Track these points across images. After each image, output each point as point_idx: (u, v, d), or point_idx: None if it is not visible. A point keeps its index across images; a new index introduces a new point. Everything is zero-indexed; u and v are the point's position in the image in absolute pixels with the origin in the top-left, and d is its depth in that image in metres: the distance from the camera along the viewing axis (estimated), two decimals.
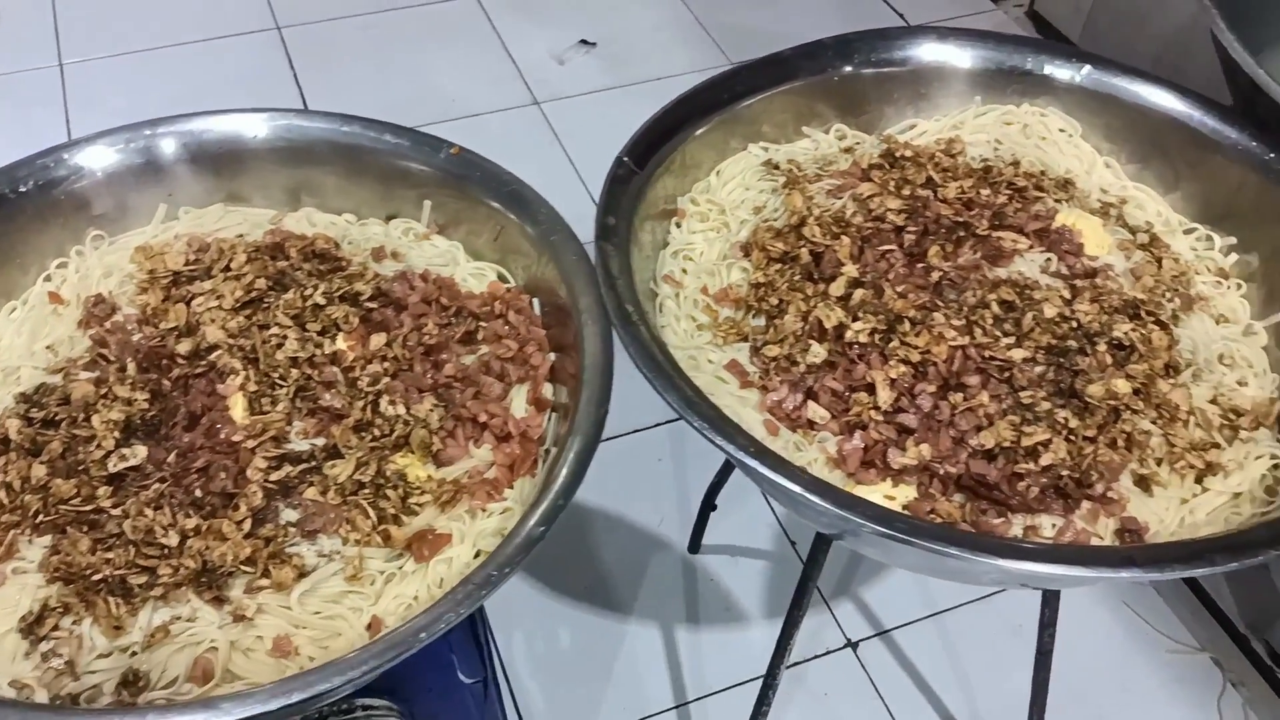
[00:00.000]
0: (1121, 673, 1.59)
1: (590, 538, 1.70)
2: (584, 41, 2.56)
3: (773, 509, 1.74)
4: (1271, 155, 1.12)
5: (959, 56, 1.21)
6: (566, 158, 2.23)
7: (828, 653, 1.60)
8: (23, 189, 1.05)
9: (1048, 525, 0.92)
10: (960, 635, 1.62)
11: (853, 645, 1.60)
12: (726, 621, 1.62)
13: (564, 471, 0.85)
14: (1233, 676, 1.59)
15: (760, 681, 1.29)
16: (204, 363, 0.98)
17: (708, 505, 1.61)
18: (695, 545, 1.69)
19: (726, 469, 1.54)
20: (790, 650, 1.21)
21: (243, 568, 0.85)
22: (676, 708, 1.53)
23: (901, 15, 2.69)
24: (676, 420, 1.82)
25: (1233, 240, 1.14)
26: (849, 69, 1.21)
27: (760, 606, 1.63)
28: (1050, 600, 1.17)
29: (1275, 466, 0.97)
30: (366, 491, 0.89)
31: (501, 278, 1.08)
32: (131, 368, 0.97)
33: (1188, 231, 1.16)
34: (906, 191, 1.10)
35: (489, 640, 1.29)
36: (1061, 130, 1.22)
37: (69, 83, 2.41)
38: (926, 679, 1.57)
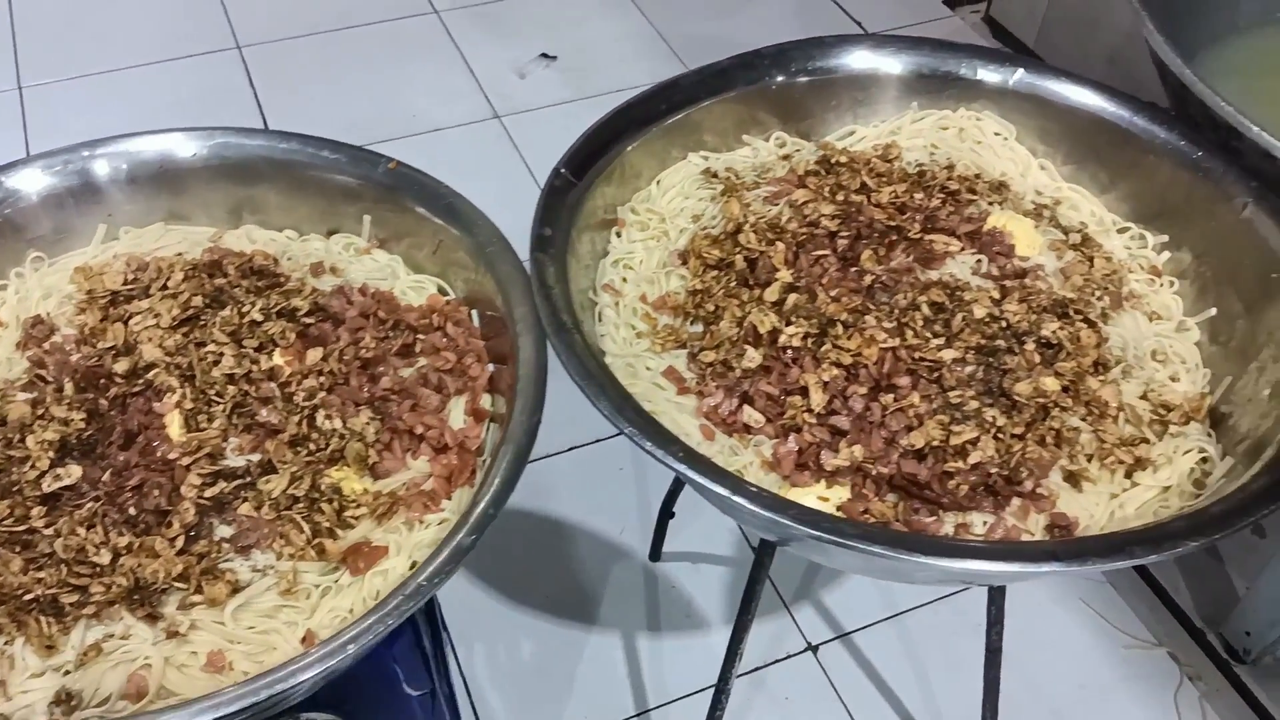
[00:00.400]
0: (1079, 669, 1.60)
1: (552, 547, 1.71)
2: (545, 55, 2.57)
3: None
4: (1200, 153, 1.13)
5: (892, 64, 1.22)
6: (527, 170, 2.24)
7: (788, 656, 1.60)
8: None
9: (979, 523, 0.93)
10: (920, 636, 1.63)
11: (813, 648, 1.61)
12: (687, 628, 1.62)
13: (495, 481, 0.85)
14: (1189, 671, 1.60)
15: None
16: (141, 381, 0.98)
17: (665, 513, 1.61)
18: (656, 553, 1.69)
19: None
20: (741, 655, 1.21)
21: (176, 584, 0.85)
22: (638, 715, 1.53)
23: (859, 23, 2.71)
24: None
25: (1165, 238, 1.16)
26: (786, 78, 1.22)
27: (720, 612, 1.64)
28: (996, 598, 1.18)
29: (1204, 460, 0.98)
30: (301, 506, 0.90)
31: (442, 290, 1.09)
32: (69, 388, 0.97)
33: (1121, 231, 1.18)
34: (841, 197, 1.11)
35: (444, 651, 1.30)
36: (997, 134, 1.23)
37: (28, 106, 2.41)
38: (887, 680, 1.58)
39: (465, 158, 2.29)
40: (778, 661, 1.60)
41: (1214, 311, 1.10)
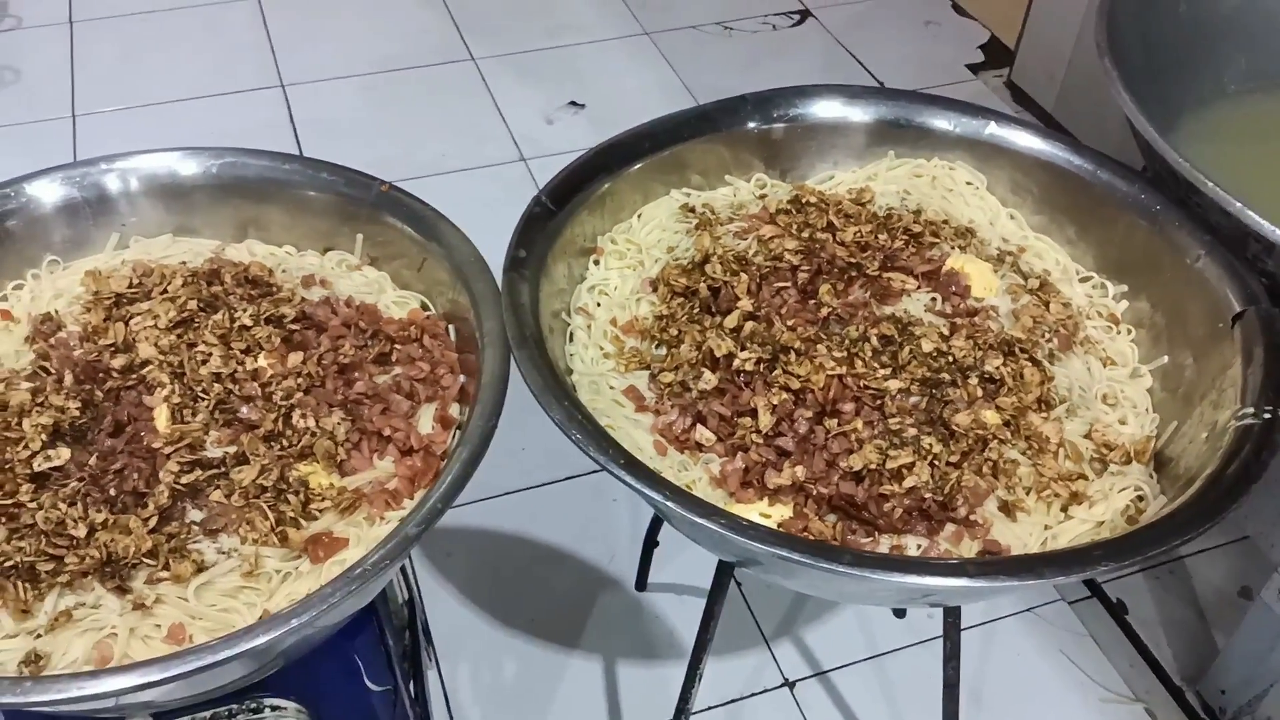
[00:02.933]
0: (1055, 719, 1.61)
1: (542, 573, 1.75)
2: (574, 103, 2.67)
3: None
4: (1158, 207, 1.17)
5: (867, 113, 1.28)
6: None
7: (764, 691, 1.63)
8: None
9: (913, 545, 0.96)
10: (898, 678, 1.64)
11: (790, 685, 1.64)
12: (669, 657, 1.66)
13: (447, 479, 0.91)
14: None
15: (696, 716, 1.33)
16: (135, 376, 1.05)
17: (650, 542, 1.65)
18: (642, 583, 1.73)
19: None
20: (699, 677, 1.25)
21: (145, 560, 0.91)
22: None
23: (881, 84, 2.78)
24: None
25: (1124, 288, 1.20)
26: (766, 124, 1.28)
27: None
28: (951, 633, 1.21)
29: (1139, 499, 1.01)
30: (268, 495, 0.96)
31: (424, 306, 1.16)
32: (68, 379, 1.05)
33: (1084, 280, 1.22)
34: (806, 234, 1.16)
35: (421, 656, 1.34)
36: (969, 183, 1.28)
37: (80, 133, 2.54)
38: None
39: (489, 197, 2.37)
40: (754, 695, 1.63)
41: (1166, 359, 1.13)
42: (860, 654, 1.67)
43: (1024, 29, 2.71)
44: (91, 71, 2.73)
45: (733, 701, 1.61)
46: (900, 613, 1.71)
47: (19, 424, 1.00)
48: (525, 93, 2.71)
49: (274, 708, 1.07)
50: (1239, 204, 1.10)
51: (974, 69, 2.87)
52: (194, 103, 2.64)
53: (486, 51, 2.85)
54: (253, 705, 1.06)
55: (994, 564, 0.86)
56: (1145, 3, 1.49)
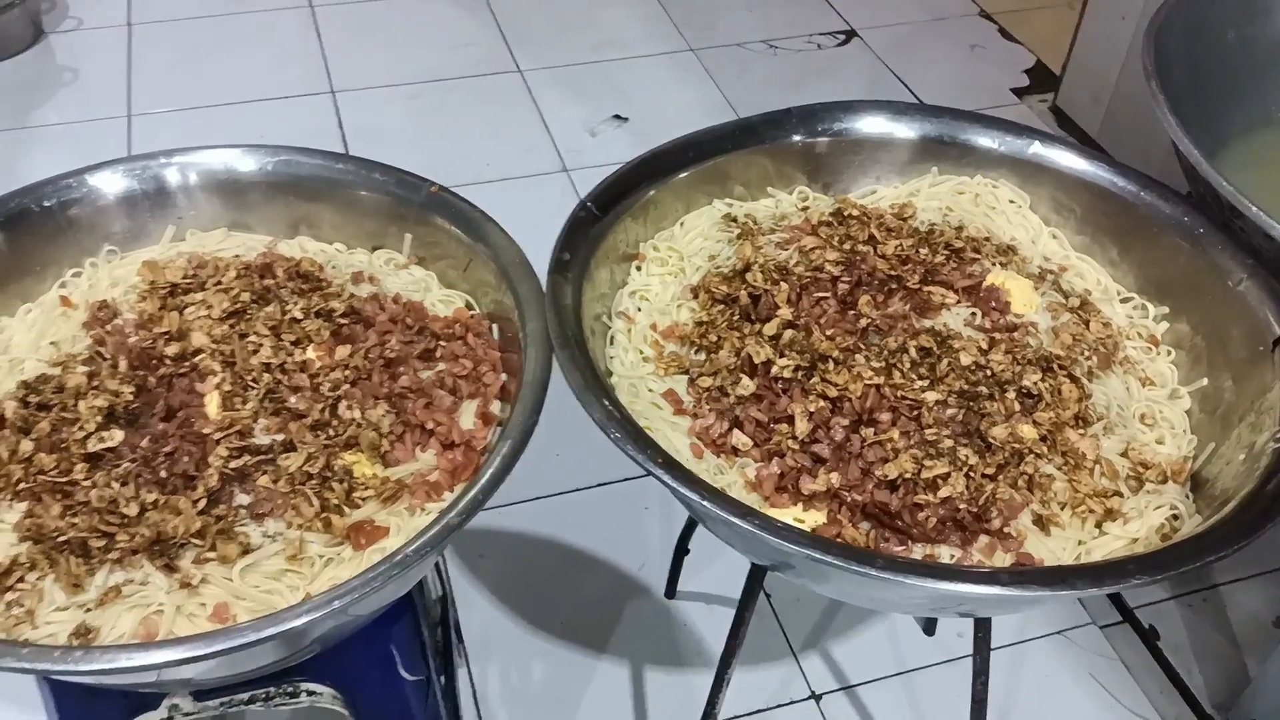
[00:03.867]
0: None
1: (573, 577, 1.77)
2: (617, 116, 2.70)
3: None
4: (1201, 230, 1.18)
5: (911, 129, 1.29)
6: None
7: (791, 703, 1.63)
8: (46, 204, 1.18)
9: (946, 555, 0.97)
10: (927, 695, 1.64)
11: (816, 697, 1.64)
12: (696, 665, 1.67)
13: (488, 471, 0.93)
14: None
15: None
16: (188, 364, 1.08)
17: (681, 549, 1.66)
18: (672, 591, 1.74)
19: None
20: (727, 681, 1.26)
21: (193, 540, 0.94)
22: None
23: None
24: None
25: (1165, 309, 1.20)
26: (810, 138, 1.30)
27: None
28: (981, 648, 1.21)
29: (1174, 517, 1.01)
30: (314, 482, 0.98)
31: (469, 305, 1.18)
32: (123, 364, 1.08)
33: (1125, 300, 1.22)
34: (847, 246, 1.18)
35: (452, 653, 1.36)
36: (1011, 201, 1.29)
37: (135, 133, 2.60)
38: None
39: (531, 206, 2.40)
40: (781, 706, 1.63)
41: (1205, 381, 1.13)
42: (889, 670, 1.67)
43: (1070, 55, 2.71)
44: (147, 73, 2.78)
45: (759, 712, 1.62)
46: (930, 630, 1.71)
47: (75, 405, 1.03)
48: (570, 105, 2.74)
49: (310, 692, 1.09)
50: None
51: (1018, 93, 2.88)
52: (246, 106, 2.69)
53: (533, 64, 2.88)
54: (290, 689, 1.08)
55: (1027, 573, 0.87)
56: (1193, 29, 1.50)
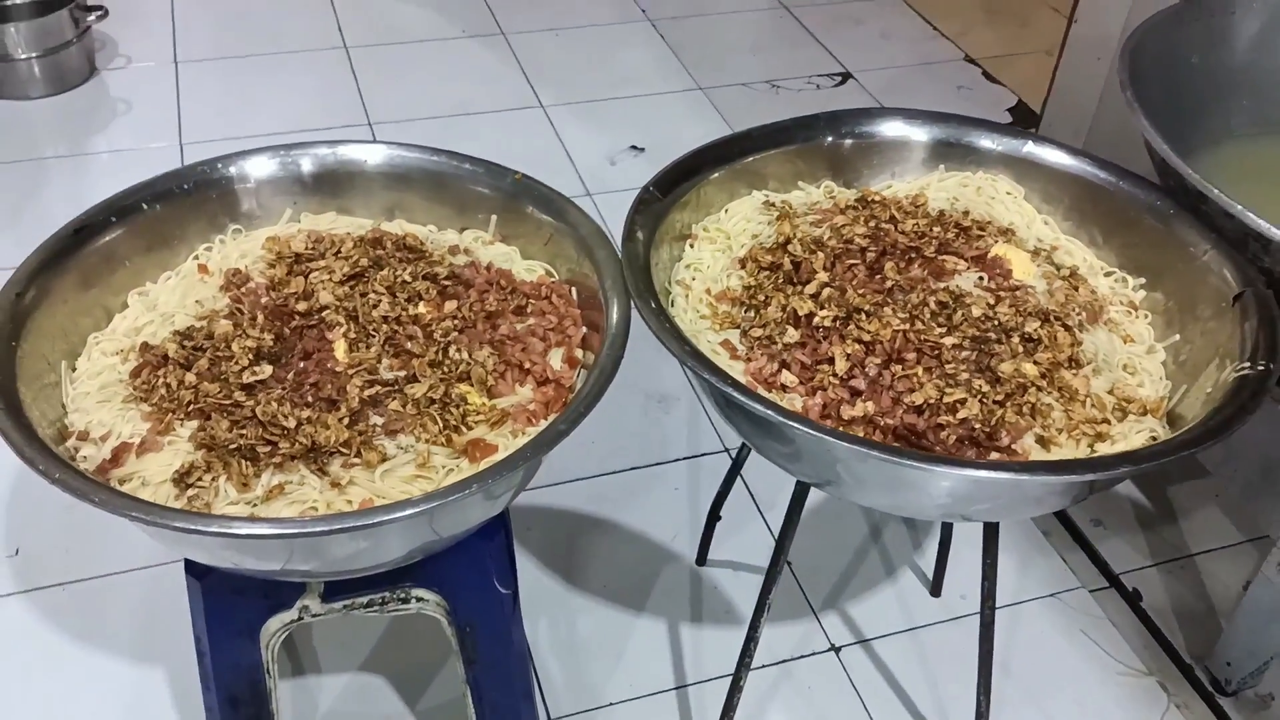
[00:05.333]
0: (1076, 689, 1.78)
1: (612, 547, 1.95)
2: (634, 147, 2.92)
3: (771, 531, 1.97)
4: (1172, 212, 1.39)
5: (924, 132, 1.50)
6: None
7: (813, 654, 1.81)
8: (185, 187, 1.37)
9: None
10: (933, 649, 1.82)
11: (836, 650, 1.82)
12: (725, 623, 1.84)
13: (587, 388, 1.12)
14: (1177, 700, 1.77)
15: (751, 673, 1.51)
16: (316, 318, 1.27)
17: (713, 516, 1.85)
18: (702, 558, 1.92)
19: (729, 481, 1.79)
20: (769, 605, 1.44)
21: (340, 449, 1.12)
22: (676, 689, 1.74)
23: None
24: (694, 456, 2.09)
25: (1143, 281, 1.41)
26: (835, 138, 1.51)
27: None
28: (989, 574, 1.40)
29: (1154, 440, 1.21)
30: (435, 407, 1.17)
31: (549, 273, 1.37)
32: (260, 318, 1.26)
33: (1108, 275, 1.43)
34: (872, 224, 1.38)
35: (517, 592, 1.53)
36: (1009, 193, 1.50)
37: (186, 160, 2.80)
38: (901, 684, 1.78)
39: None
40: (803, 657, 1.81)
41: (1177, 337, 1.33)
42: (899, 626, 1.85)
43: (1049, 94, 2.95)
44: (195, 105, 2.99)
45: (785, 661, 1.79)
46: (935, 592, 1.89)
47: (228, 347, 1.21)
48: (590, 137, 2.96)
49: (419, 599, 1.27)
50: (1240, 207, 1.32)
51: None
52: (290, 136, 2.89)
53: (554, 100, 3.11)
54: (402, 595, 1.26)
55: (1033, 464, 1.07)
56: (1163, 53, 1.72)
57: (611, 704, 1.72)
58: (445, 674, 1.72)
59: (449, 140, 2.98)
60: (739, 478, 2.05)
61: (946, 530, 1.83)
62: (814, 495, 2.00)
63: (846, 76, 3.29)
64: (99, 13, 3.00)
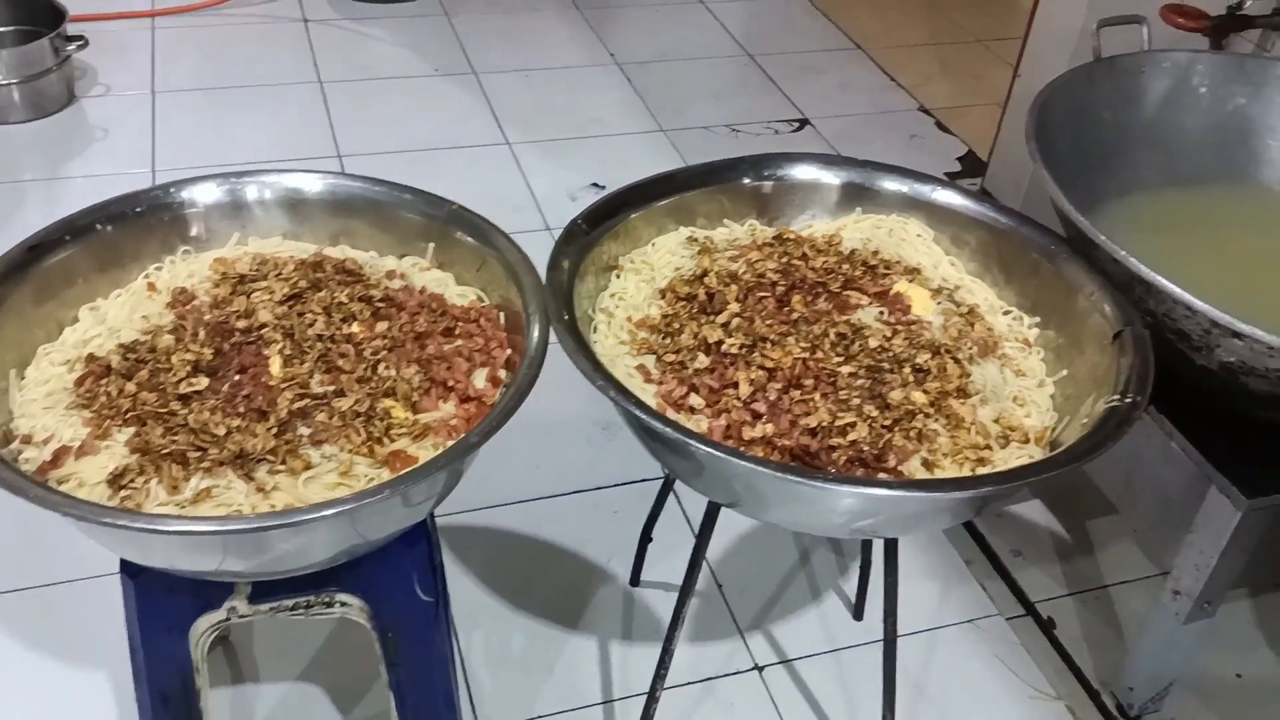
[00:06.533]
0: (988, 711, 1.86)
1: (549, 566, 2.02)
2: (595, 184, 3.02)
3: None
4: (1064, 256, 1.48)
5: (837, 176, 1.60)
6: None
7: (736, 673, 1.88)
8: (138, 210, 1.45)
9: None
10: (853, 669, 1.90)
11: (759, 669, 1.89)
12: (655, 641, 1.91)
13: (501, 404, 1.20)
14: None
15: (675, 689, 1.59)
16: (255, 335, 1.35)
17: (645, 538, 1.92)
18: (635, 579, 2.00)
19: (658, 505, 1.87)
20: (684, 617, 1.51)
21: (267, 456, 1.19)
22: (603, 703, 1.81)
23: None
24: (633, 483, 2.17)
25: (1037, 319, 1.50)
26: (758, 180, 1.60)
27: (686, 632, 1.92)
28: (890, 592, 1.48)
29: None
30: (360, 420, 1.24)
31: (480, 298, 1.46)
32: (202, 334, 1.34)
33: (1006, 313, 1.52)
34: (784, 259, 1.47)
35: (448, 610, 1.60)
36: (919, 235, 1.59)
37: None
38: (821, 703, 1.85)
39: None
40: (727, 675, 1.88)
41: (1065, 372, 1.43)
42: (822, 648, 1.93)
43: (995, 144, 3.07)
44: (171, 134, 3.08)
45: (708, 679, 1.86)
46: (858, 615, 1.97)
47: (168, 360, 1.29)
48: (553, 173, 3.07)
49: (343, 603, 1.34)
50: (1123, 253, 1.42)
51: (952, 176, 3.23)
52: (261, 166, 2.98)
53: (520, 137, 3.21)
54: (326, 599, 1.33)
55: (908, 483, 1.15)
56: (1075, 108, 1.83)
57: (539, 716, 1.78)
58: (381, 684, 1.78)
59: (416, 174, 3.08)
60: (678, 505, 2.13)
61: (868, 555, 1.91)
62: (746, 520, 2.09)
63: (804, 123, 3.41)
64: (79, 42, 3.09)
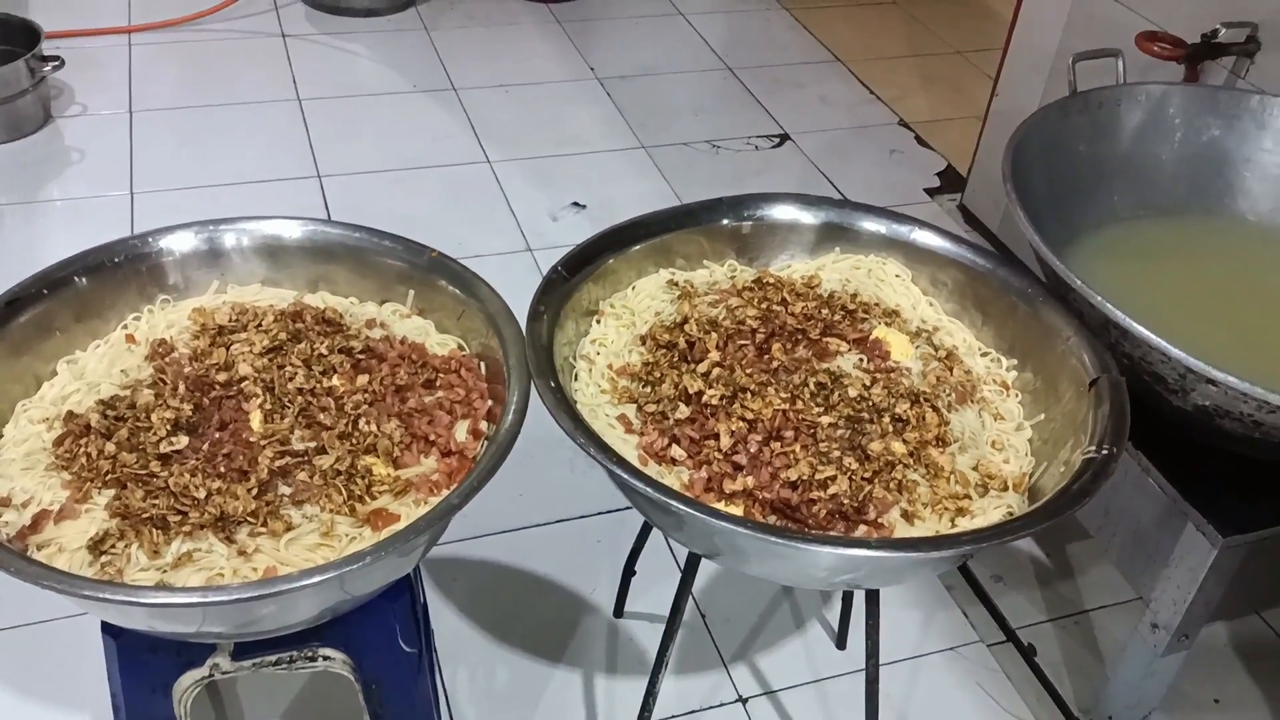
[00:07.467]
0: None
1: (532, 598, 2.02)
2: (576, 204, 3.02)
3: None
4: (1041, 299, 1.49)
5: (816, 217, 1.61)
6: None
7: (721, 705, 1.89)
8: (115, 260, 1.45)
9: None
10: (837, 699, 1.91)
11: (743, 700, 1.90)
12: (639, 674, 1.92)
13: (481, 465, 1.20)
14: None
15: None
16: (235, 388, 1.35)
17: (628, 570, 1.93)
18: (619, 610, 2.00)
19: (642, 537, 1.87)
20: (669, 658, 1.52)
21: (248, 519, 1.19)
22: None
23: (845, 197, 3.14)
24: (616, 510, 2.17)
25: (1015, 362, 1.51)
26: (737, 221, 1.61)
27: (670, 665, 1.93)
28: (871, 633, 1.49)
29: (1010, 514, 1.31)
30: (341, 478, 1.25)
31: (461, 347, 1.46)
32: (181, 388, 1.34)
33: (984, 355, 1.53)
34: (764, 305, 1.48)
35: (432, 652, 1.61)
36: (898, 275, 1.60)
37: (137, 209, 2.87)
38: None
39: (498, 280, 2.68)
40: (711, 708, 1.89)
41: (1042, 416, 1.44)
42: (805, 678, 1.94)
43: (974, 160, 3.08)
44: (148, 155, 3.07)
45: (693, 712, 1.87)
46: (841, 644, 1.98)
47: (148, 418, 1.29)
48: (534, 193, 3.06)
49: (326, 657, 1.34)
50: (1100, 298, 1.43)
51: (931, 192, 3.25)
52: (240, 187, 2.98)
53: (501, 156, 3.21)
54: (309, 654, 1.33)
55: (887, 542, 1.16)
56: (1050, 143, 1.84)
57: None
58: None
59: (396, 194, 3.09)
60: (663, 536, 2.14)
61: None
62: None
63: (785, 138, 3.42)
64: (55, 63, 3.07)
